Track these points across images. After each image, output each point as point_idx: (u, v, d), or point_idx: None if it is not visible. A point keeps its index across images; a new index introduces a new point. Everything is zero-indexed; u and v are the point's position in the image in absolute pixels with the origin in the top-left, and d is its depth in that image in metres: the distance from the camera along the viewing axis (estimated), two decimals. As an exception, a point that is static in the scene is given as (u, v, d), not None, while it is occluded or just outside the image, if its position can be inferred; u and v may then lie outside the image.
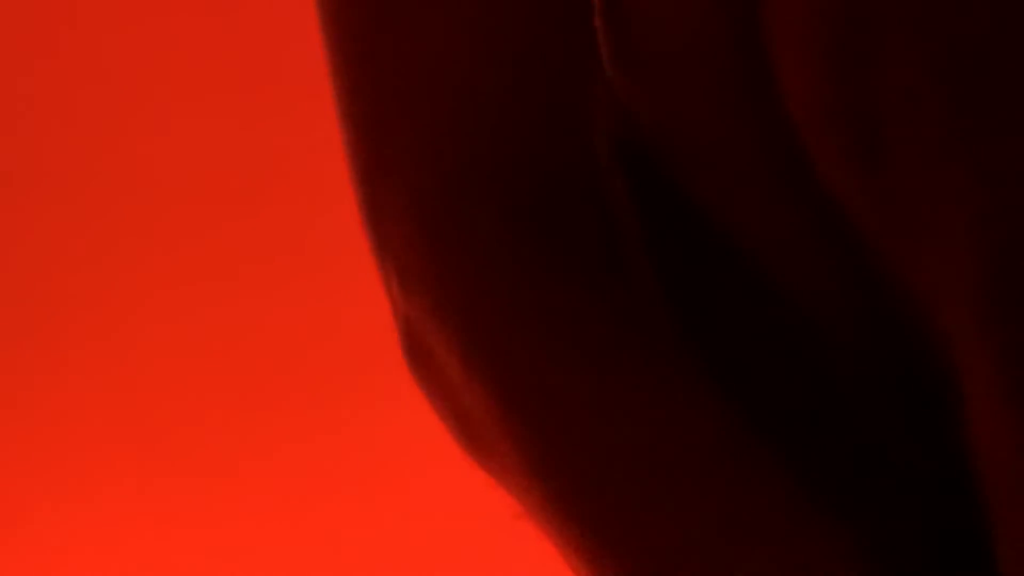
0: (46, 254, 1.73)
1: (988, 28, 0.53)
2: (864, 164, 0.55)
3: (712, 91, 0.57)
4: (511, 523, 0.77)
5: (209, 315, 1.72)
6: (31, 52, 1.69)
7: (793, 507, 0.55)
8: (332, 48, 0.61)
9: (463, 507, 1.60)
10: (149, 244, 1.71)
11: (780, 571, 0.54)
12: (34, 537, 1.74)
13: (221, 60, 1.69)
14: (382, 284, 0.61)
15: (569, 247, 0.58)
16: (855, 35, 0.54)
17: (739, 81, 0.56)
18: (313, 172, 1.69)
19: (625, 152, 0.59)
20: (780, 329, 0.58)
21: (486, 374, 0.58)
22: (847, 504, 0.56)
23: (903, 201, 0.54)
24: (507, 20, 0.58)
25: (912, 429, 0.57)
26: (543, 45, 0.59)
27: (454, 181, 0.58)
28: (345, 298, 1.70)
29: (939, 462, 0.57)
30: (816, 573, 0.54)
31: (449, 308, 0.58)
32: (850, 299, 0.57)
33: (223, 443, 1.73)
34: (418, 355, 0.61)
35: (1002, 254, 0.53)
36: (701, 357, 0.57)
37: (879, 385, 0.58)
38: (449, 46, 0.58)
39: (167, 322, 1.73)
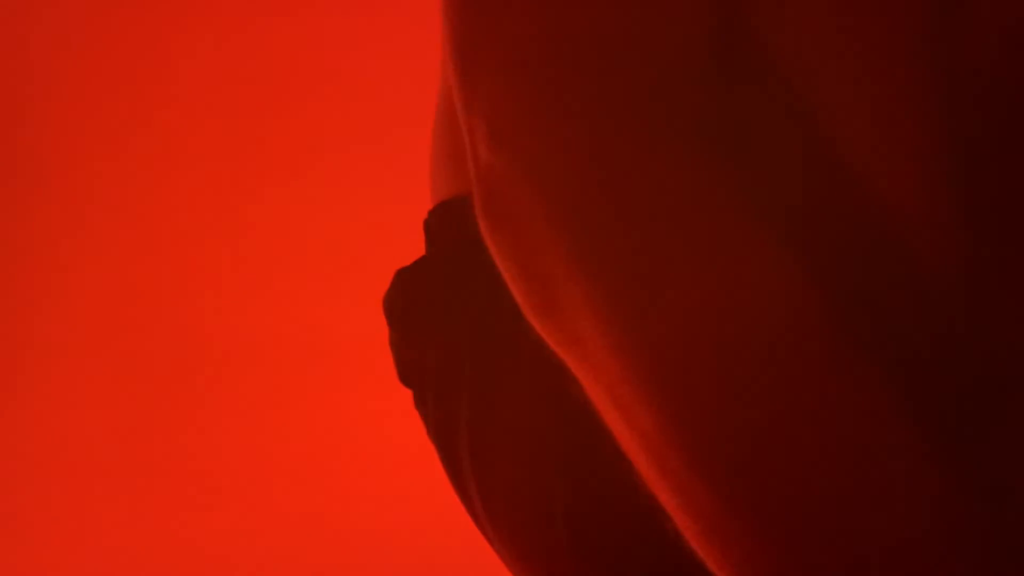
0: (43, 252, 1.73)
1: None
2: None
3: (889, 21, 0.56)
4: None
5: (206, 313, 1.73)
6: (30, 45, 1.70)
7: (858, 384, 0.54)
8: None
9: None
10: (144, 242, 1.72)
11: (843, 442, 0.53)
12: (32, 537, 1.74)
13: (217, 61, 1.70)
14: (465, 139, 0.60)
15: (670, 115, 0.57)
16: None
17: (923, 19, 0.56)
18: (311, 171, 1.69)
19: (727, 40, 0.59)
20: (877, 245, 0.58)
21: (571, 235, 0.56)
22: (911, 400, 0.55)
23: None
24: None
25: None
26: None
27: (556, 36, 0.58)
28: (342, 297, 1.70)
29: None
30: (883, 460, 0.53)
31: (540, 165, 0.57)
32: (959, 242, 0.57)
33: (219, 441, 1.73)
34: (497, 213, 0.59)
35: None
36: (788, 237, 0.57)
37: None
38: None
39: (164, 320, 1.73)
